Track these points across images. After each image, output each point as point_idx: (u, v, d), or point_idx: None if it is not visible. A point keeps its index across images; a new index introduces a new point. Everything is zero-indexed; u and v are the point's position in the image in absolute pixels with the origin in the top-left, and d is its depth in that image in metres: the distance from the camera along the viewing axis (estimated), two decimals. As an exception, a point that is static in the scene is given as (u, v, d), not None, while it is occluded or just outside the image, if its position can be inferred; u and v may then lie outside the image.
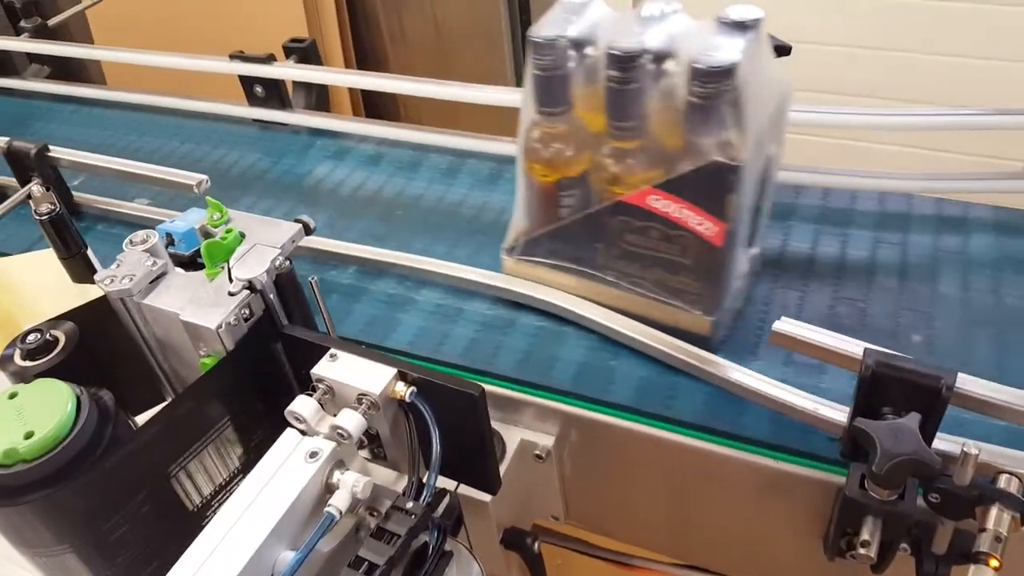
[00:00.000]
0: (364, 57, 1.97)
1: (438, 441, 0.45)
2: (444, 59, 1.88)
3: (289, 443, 0.44)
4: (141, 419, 0.61)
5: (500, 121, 0.77)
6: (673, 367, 0.61)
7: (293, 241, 0.52)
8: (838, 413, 0.53)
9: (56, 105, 1.12)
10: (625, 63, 0.53)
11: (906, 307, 0.64)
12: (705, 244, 0.57)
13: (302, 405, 0.45)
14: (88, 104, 1.11)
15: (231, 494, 0.50)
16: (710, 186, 0.54)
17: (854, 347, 0.50)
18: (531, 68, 0.57)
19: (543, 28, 0.56)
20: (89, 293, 0.62)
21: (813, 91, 1.47)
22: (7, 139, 0.85)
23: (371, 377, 0.46)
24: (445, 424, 0.46)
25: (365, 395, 0.45)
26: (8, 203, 0.84)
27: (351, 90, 1.84)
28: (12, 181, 0.88)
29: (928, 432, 0.47)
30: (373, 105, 1.99)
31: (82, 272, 0.61)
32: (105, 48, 1.13)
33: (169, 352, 0.53)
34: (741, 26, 0.52)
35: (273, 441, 0.48)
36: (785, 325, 0.52)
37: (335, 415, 0.46)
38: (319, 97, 0.97)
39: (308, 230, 0.53)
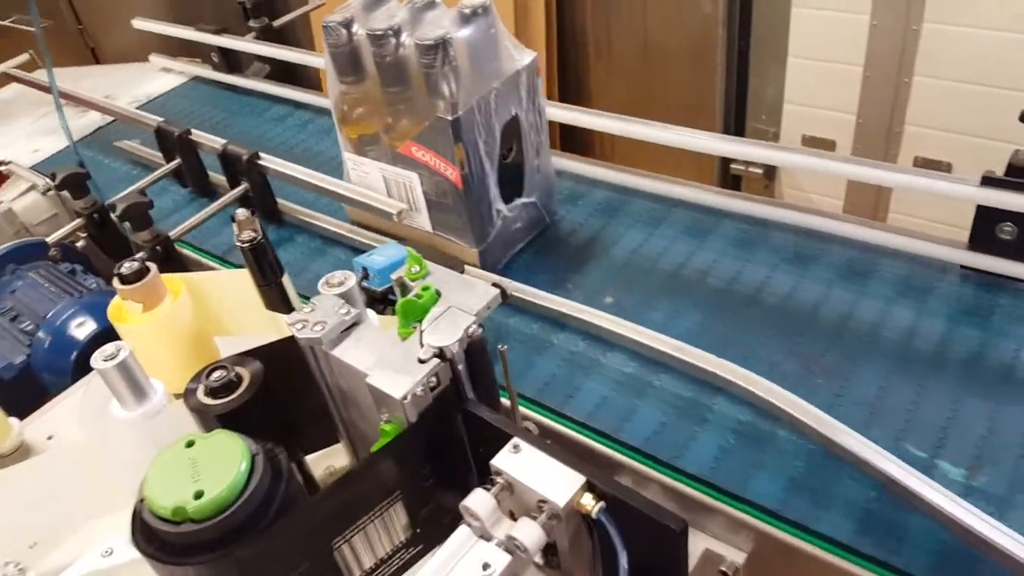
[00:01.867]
0: (565, 70, 1.93)
1: (626, 568, 0.39)
2: (649, 80, 1.81)
3: (463, 544, 0.40)
4: (311, 458, 0.60)
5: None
6: (901, 502, 0.51)
7: (488, 308, 0.47)
8: None
9: (274, 105, 1.17)
10: (379, 40, 0.70)
11: None
12: (454, 186, 0.72)
13: (478, 502, 0.41)
14: (301, 107, 1.15)
15: (391, 568, 0.48)
16: (441, 137, 0.70)
17: None
18: (325, 47, 0.74)
19: (336, 14, 0.72)
20: (279, 321, 0.62)
21: None
22: (223, 142, 0.89)
23: (556, 483, 0.41)
24: (633, 550, 0.40)
25: (547, 503, 0.40)
26: (222, 201, 0.88)
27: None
28: (223, 179, 0.92)
29: None
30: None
31: (276, 301, 0.60)
32: (309, 53, 1.17)
33: (351, 404, 0.51)
34: (473, 13, 0.68)
35: (442, 515, 0.44)
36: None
37: (512, 514, 0.41)
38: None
39: (504, 296, 0.49)
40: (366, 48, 0.72)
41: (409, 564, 0.48)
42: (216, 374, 0.49)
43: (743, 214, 0.78)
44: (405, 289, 0.50)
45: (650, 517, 0.39)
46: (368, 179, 0.80)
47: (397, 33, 0.70)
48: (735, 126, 1.76)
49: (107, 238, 0.92)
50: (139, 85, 1.32)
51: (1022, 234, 0.63)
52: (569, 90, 1.95)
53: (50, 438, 0.69)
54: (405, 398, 0.43)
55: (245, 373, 0.49)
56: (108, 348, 0.52)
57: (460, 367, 0.46)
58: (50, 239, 0.89)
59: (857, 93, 1.51)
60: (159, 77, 1.35)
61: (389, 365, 0.45)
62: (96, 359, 0.51)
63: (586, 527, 0.42)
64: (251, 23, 1.25)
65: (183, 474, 0.41)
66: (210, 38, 1.19)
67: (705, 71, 1.72)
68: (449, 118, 0.69)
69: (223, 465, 0.41)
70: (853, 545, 0.50)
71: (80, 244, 0.98)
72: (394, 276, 0.51)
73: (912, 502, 0.50)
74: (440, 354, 0.45)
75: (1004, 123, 0.63)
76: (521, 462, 0.42)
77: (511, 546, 0.40)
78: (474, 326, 0.46)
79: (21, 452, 0.67)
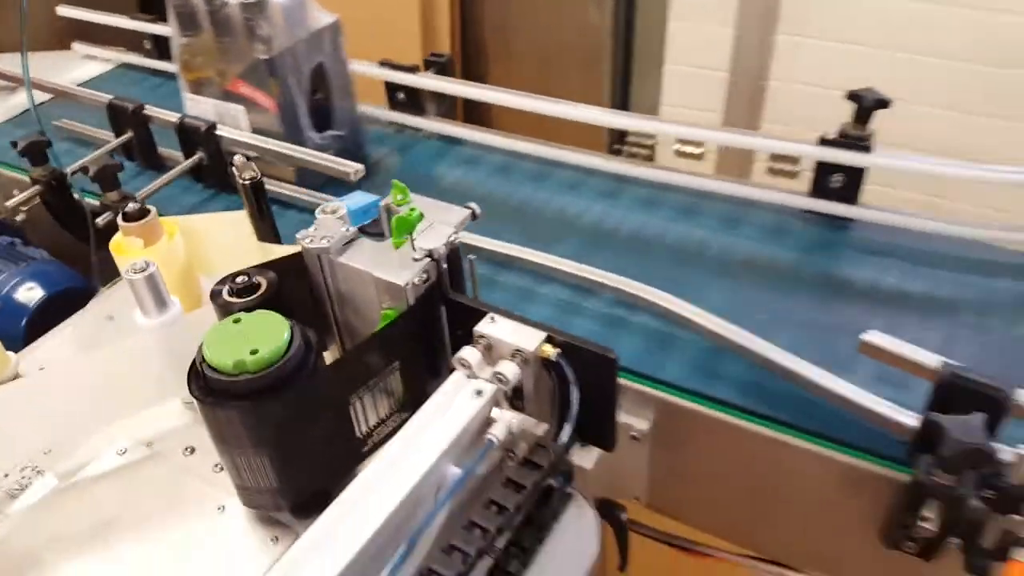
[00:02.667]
0: (468, 74, 2.10)
1: (577, 398, 0.54)
2: (544, 83, 1.99)
3: (457, 383, 0.54)
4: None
5: (583, 136, 0.88)
6: (769, 370, 0.69)
7: (463, 223, 0.61)
8: (911, 418, 0.60)
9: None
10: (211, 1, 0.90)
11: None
12: (272, 115, 0.94)
13: (469, 353, 0.55)
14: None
15: (387, 427, 0.60)
16: (260, 74, 0.92)
17: (933, 360, 0.58)
18: (170, 10, 0.93)
19: None
20: (272, 252, 0.73)
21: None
22: (179, 115, 0.98)
23: (525, 337, 0.55)
24: (580, 384, 0.55)
25: (520, 351, 0.55)
26: (178, 169, 0.97)
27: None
28: (169, 152, 1.01)
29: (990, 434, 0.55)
30: (473, 113, 2.11)
31: (268, 233, 0.72)
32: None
33: (347, 305, 0.63)
34: None
35: (425, 391, 0.57)
36: (873, 337, 0.60)
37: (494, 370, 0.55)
38: (450, 106, 1.08)
39: (475, 215, 0.63)
40: (201, 9, 0.92)
41: (401, 426, 0.61)
42: (240, 278, 0.60)
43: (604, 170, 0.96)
44: (391, 213, 0.63)
45: (594, 352, 0.54)
46: (202, 109, 1.00)
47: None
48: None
49: (62, 205, 0.99)
50: (65, 71, 1.36)
51: (848, 183, 0.83)
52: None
53: (42, 369, 0.77)
54: (407, 284, 0.57)
55: (262, 280, 0.61)
56: (138, 263, 0.62)
57: (444, 266, 0.60)
58: (8, 203, 0.95)
59: (723, 95, 1.75)
60: (83, 64, 1.40)
61: (389, 264, 0.59)
62: (127, 272, 0.62)
63: (546, 372, 0.56)
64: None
65: (236, 339, 0.52)
66: (146, 26, 1.27)
67: (594, 75, 1.93)
68: (265, 58, 0.90)
69: (269, 332, 0.52)
70: (731, 400, 0.67)
71: (19, 218, 1.04)
72: (383, 203, 0.64)
73: (776, 371, 0.67)
74: (430, 254, 0.59)
75: (845, 118, 0.83)
76: (497, 328, 0.56)
77: (495, 379, 0.54)
78: (454, 235, 0.60)
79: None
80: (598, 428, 0.59)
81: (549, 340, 0.55)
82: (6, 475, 0.64)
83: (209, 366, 0.51)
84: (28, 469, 0.65)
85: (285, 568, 0.46)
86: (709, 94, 1.74)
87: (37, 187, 0.97)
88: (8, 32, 2.30)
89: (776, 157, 1.43)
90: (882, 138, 0.83)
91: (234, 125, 0.97)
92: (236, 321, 0.54)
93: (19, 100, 1.30)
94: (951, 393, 0.57)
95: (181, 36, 0.96)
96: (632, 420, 0.71)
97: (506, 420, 0.52)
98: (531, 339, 0.55)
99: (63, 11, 1.41)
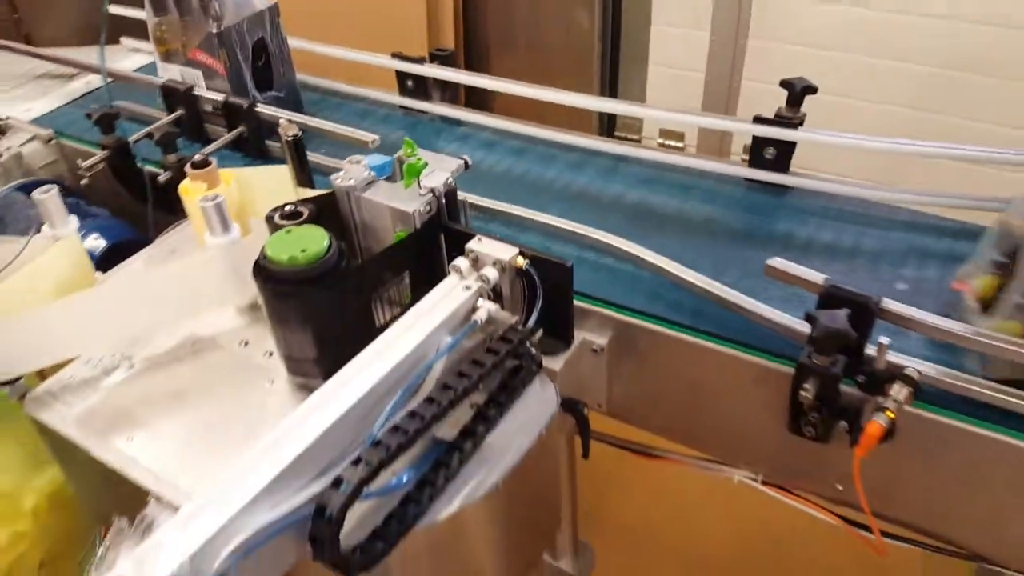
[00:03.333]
0: (471, 66, 2.29)
1: (541, 296, 0.72)
2: (539, 81, 2.18)
3: (452, 281, 0.72)
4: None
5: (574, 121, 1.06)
6: (700, 295, 0.86)
7: (458, 170, 0.80)
8: (801, 324, 0.77)
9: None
10: None
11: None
12: (222, 77, 1.18)
13: (461, 261, 0.73)
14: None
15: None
16: (212, 44, 1.16)
17: (818, 277, 0.76)
18: None
19: None
20: (307, 196, 0.91)
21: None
22: (224, 96, 1.17)
23: (503, 252, 0.73)
24: (545, 287, 0.73)
25: (499, 260, 0.73)
26: (224, 139, 1.15)
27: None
28: (214, 127, 1.20)
29: (861, 333, 0.72)
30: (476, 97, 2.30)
31: (305, 180, 0.90)
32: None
33: (368, 232, 0.81)
34: None
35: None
36: (775, 262, 0.78)
37: (479, 273, 0.73)
38: (453, 93, 1.27)
39: (467, 165, 0.81)
40: None
41: (408, 325, 0.79)
42: (287, 207, 0.78)
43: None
44: (402, 163, 0.81)
45: (553, 262, 0.72)
46: (171, 74, 1.26)
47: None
48: (608, 121, 2.16)
49: (124, 168, 1.18)
50: (116, 62, 1.55)
51: (779, 155, 1.01)
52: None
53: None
54: (415, 211, 0.75)
55: (304, 209, 0.79)
56: (209, 195, 0.80)
57: (443, 201, 0.78)
58: (84, 164, 1.14)
59: (700, 93, 1.94)
60: (130, 56, 1.59)
61: (401, 198, 0.77)
62: (201, 201, 0.80)
63: (519, 278, 0.74)
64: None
65: (289, 243, 0.70)
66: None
67: (585, 75, 2.11)
68: (215, 31, 1.15)
69: (313, 239, 0.71)
70: (671, 318, 0.85)
71: (83, 182, 1.22)
72: (396, 155, 0.82)
73: (708, 298, 0.85)
74: (432, 192, 0.77)
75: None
76: (482, 245, 0.74)
77: (480, 280, 0.72)
78: (451, 178, 0.78)
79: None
80: (559, 323, 0.77)
81: (521, 254, 0.74)
82: (100, 359, 0.82)
83: (270, 261, 0.69)
84: (117, 355, 0.83)
85: (315, 400, 0.64)
86: (688, 92, 1.92)
87: (105, 152, 1.15)
88: (43, 27, 2.49)
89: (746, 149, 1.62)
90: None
91: (195, 84, 1.23)
92: (288, 232, 0.73)
93: (74, 87, 1.50)
94: (830, 302, 0.75)
95: (154, 16, 1.21)
96: (594, 337, 0.89)
97: (487, 308, 0.70)
98: (508, 252, 0.73)
99: (114, 9, 1.60)
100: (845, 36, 1.69)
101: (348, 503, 0.57)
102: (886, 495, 0.82)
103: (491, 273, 0.72)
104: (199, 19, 1.16)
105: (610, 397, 0.95)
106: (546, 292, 0.73)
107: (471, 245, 0.75)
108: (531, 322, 0.72)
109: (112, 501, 0.74)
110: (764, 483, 0.92)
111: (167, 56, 1.24)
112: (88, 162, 1.14)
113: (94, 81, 1.50)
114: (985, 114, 1.69)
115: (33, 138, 1.36)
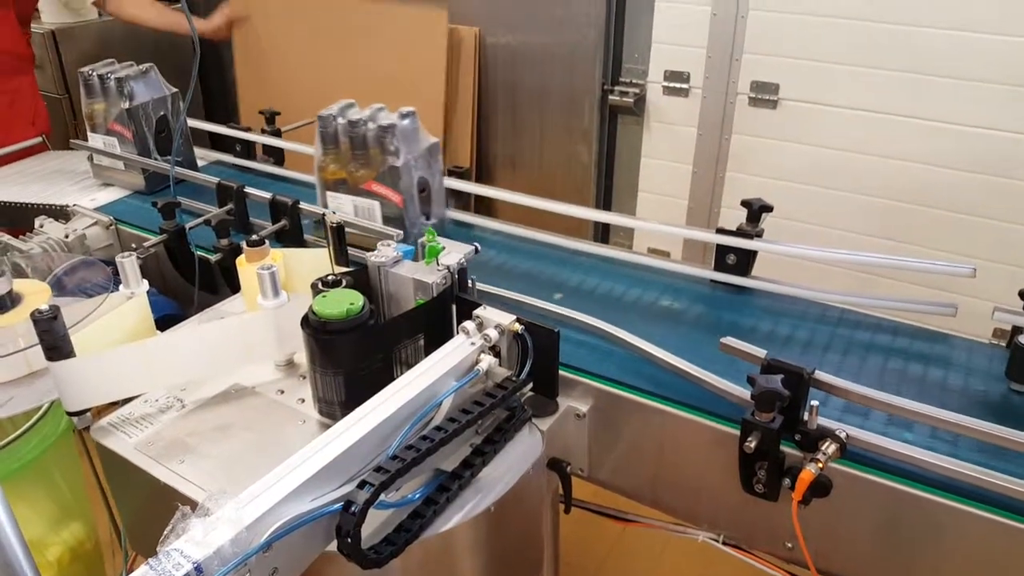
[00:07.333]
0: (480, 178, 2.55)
1: (532, 355, 0.88)
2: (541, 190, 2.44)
3: (460, 338, 0.88)
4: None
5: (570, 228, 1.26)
6: (668, 370, 1.02)
7: (469, 254, 0.98)
8: (745, 392, 0.93)
9: (274, 182, 1.65)
10: (354, 124, 1.29)
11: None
12: (396, 206, 1.32)
13: (468, 323, 0.89)
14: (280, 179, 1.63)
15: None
16: (392, 177, 1.30)
17: (761, 352, 0.92)
18: (317, 131, 1.33)
19: (325, 111, 1.33)
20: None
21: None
22: (272, 194, 1.37)
23: (503, 317, 0.90)
24: (536, 348, 0.89)
25: (499, 324, 0.89)
26: (270, 230, 1.34)
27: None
28: (258, 221, 1.39)
29: (796, 397, 0.87)
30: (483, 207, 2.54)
31: (343, 260, 1.08)
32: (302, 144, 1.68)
33: (392, 301, 0.98)
34: (405, 115, 1.30)
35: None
36: (728, 340, 0.95)
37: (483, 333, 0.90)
38: (465, 204, 1.47)
39: (477, 250, 0.99)
40: (342, 129, 1.31)
41: (420, 380, 0.95)
42: (329, 277, 0.95)
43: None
44: (423, 247, 0.99)
45: (544, 328, 0.89)
46: (340, 203, 1.36)
47: (364, 122, 1.30)
48: (602, 238, 2.38)
49: (179, 251, 1.36)
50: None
51: (739, 261, 1.20)
52: (482, 201, 2.54)
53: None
54: (434, 283, 0.92)
55: (341, 279, 0.96)
56: (266, 262, 0.97)
57: (455, 276, 0.95)
58: (145, 244, 1.32)
59: (684, 217, 2.16)
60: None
61: (423, 273, 0.94)
62: (259, 269, 0.97)
63: (515, 341, 0.91)
64: (265, 127, 1.76)
65: (334, 301, 0.87)
66: (240, 134, 1.68)
67: (583, 200, 2.35)
68: (399, 165, 1.29)
69: (350, 300, 0.87)
70: (645, 388, 1.00)
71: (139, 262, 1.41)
72: (420, 241, 1.00)
73: (672, 370, 1.01)
74: (448, 268, 0.94)
75: (770, 233, 1.20)
76: (486, 312, 0.91)
77: (484, 339, 0.88)
78: (463, 259, 0.96)
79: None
80: (546, 380, 0.92)
81: (517, 320, 0.90)
82: (156, 399, 0.97)
83: (316, 315, 0.86)
84: (171, 397, 0.98)
85: (345, 422, 0.78)
86: (674, 216, 2.15)
87: (164, 235, 1.34)
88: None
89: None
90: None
91: (369, 216, 1.34)
92: (324, 296, 0.89)
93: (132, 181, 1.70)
94: (770, 371, 0.91)
95: (322, 149, 1.34)
96: (578, 404, 1.04)
97: (488, 360, 0.86)
98: (507, 318, 0.90)
99: (193, 123, 1.84)
100: (808, 170, 1.93)
101: (371, 500, 0.71)
102: (828, 553, 0.95)
103: (492, 333, 0.89)
104: (375, 155, 1.30)
105: (591, 461, 1.09)
106: (536, 352, 0.89)
107: (477, 312, 0.91)
108: (523, 375, 0.87)
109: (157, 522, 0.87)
110: (725, 543, 1.05)
111: (332, 185, 1.36)
112: (149, 242, 1.33)
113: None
114: (928, 241, 1.92)
115: (95, 223, 1.55)
